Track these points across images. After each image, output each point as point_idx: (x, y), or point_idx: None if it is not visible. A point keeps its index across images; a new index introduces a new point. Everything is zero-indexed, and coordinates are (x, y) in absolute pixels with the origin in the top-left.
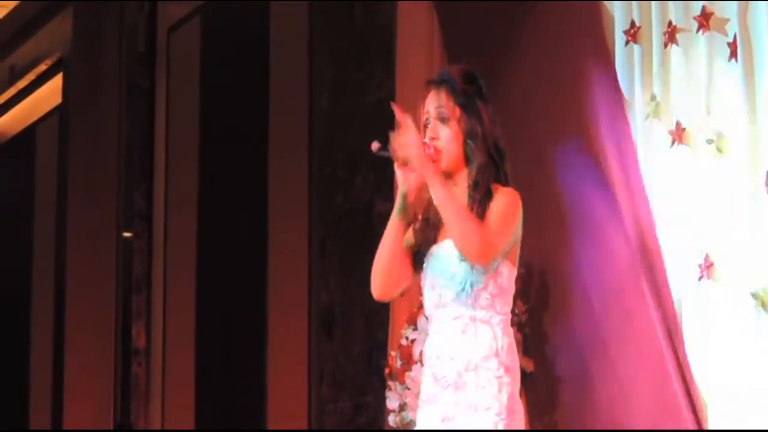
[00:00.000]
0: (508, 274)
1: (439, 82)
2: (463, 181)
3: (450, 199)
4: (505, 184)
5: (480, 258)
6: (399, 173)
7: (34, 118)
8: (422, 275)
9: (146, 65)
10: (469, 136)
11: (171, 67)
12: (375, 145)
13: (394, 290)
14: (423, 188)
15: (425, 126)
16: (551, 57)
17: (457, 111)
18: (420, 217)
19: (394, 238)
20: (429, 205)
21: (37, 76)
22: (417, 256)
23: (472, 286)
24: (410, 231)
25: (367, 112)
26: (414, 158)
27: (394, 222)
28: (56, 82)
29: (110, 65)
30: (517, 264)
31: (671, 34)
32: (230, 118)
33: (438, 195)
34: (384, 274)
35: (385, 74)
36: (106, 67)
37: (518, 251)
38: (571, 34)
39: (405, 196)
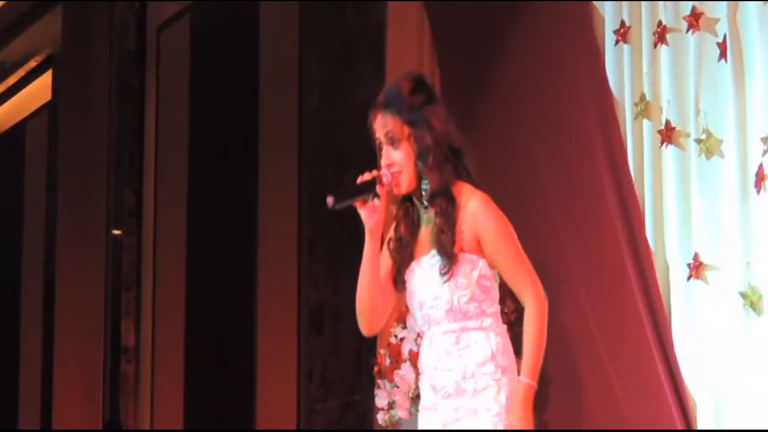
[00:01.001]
0: (488, 271)
1: (383, 105)
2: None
3: (537, 364)
4: (468, 179)
5: (546, 302)
6: (362, 212)
7: (24, 115)
8: (407, 294)
9: (136, 63)
10: (419, 155)
11: (161, 65)
12: (330, 200)
13: (380, 322)
14: (388, 212)
15: (379, 150)
16: (541, 56)
17: (406, 130)
18: (392, 237)
19: (371, 275)
20: (398, 224)
21: (27, 73)
22: (397, 276)
23: (459, 300)
24: (385, 254)
25: (357, 111)
26: None
27: (367, 260)
28: (46, 79)
29: (100, 63)
30: None
31: (661, 34)
32: (220, 116)
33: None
34: (369, 310)
35: (375, 74)
36: (96, 64)
37: None
38: (561, 34)
39: (372, 234)
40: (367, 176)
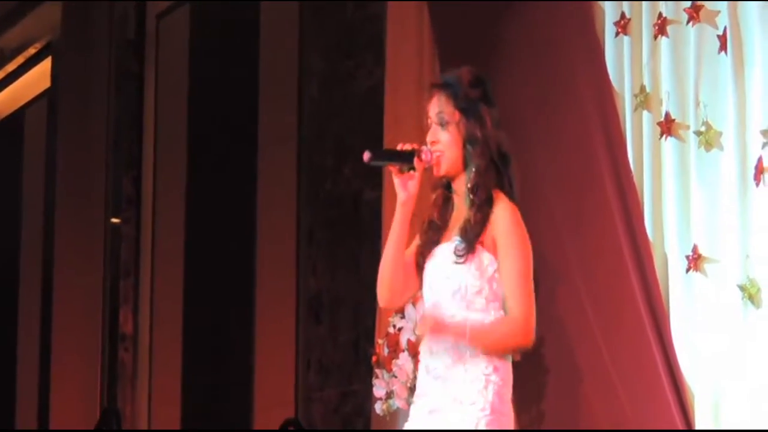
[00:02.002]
0: (489, 262)
1: (442, 86)
2: (462, 186)
3: (478, 337)
4: (509, 191)
5: (530, 338)
6: (397, 181)
7: (23, 102)
8: (423, 274)
9: (135, 51)
10: (468, 140)
11: (160, 53)
12: (367, 155)
13: (399, 298)
14: (425, 192)
15: (427, 130)
16: (541, 48)
17: (457, 115)
18: (426, 219)
19: (396, 247)
20: (434, 207)
21: (26, 60)
22: (419, 259)
23: (467, 289)
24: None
25: (357, 101)
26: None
27: (395, 230)
28: (45, 66)
29: (99, 50)
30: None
31: (661, 26)
32: (219, 105)
33: (469, 343)
34: (389, 282)
35: (375, 64)
36: (95, 52)
37: None
38: (561, 26)
39: (403, 205)
40: (407, 146)
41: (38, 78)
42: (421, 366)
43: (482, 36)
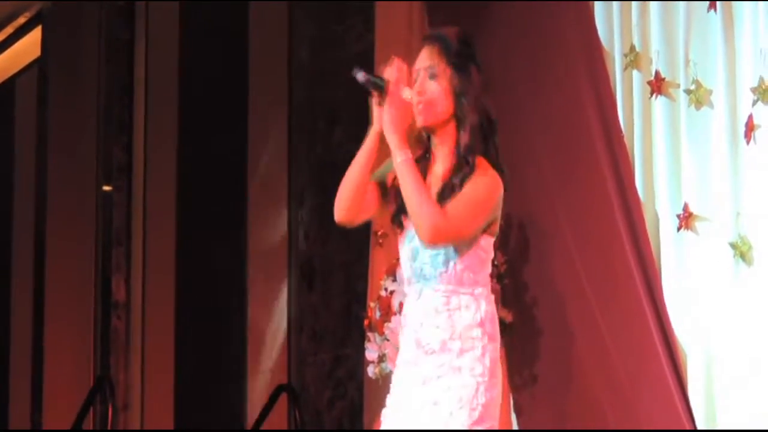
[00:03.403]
0: (486, 245)
1: (434, 39)
2: (448, 140)
3: (411, 174)
4: (494, 160)
5: (430, 242)
6: (375, 111)
7: (13, 71)
8: (401, 239)
9: (125, 18)
10: (460, 93)
11: (150, 20)
12: (361, 75)
13: (356, 217)
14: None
15: (415, 82)
16: (530, 10)
17: (449, 70)
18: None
19: (361, 170)
20: (417, 147)
21: (16, 29)
22: (395, 217)
23: (454, 264)
24: (384, 171)
25: (347, 65)
26: (388, 115)
27: (363, 153)
28: (35, 35)
29: (89, 18)
30: (495, 234)
31: None
32: (210, 70)
33: (400, 169)
34: (348, 198)
35: (365, 28)
36: (86, 19)
37: (498, 224)
38: None
39: (377, 134)
40: (386, 73)
41: (28, 47)
42: (408, 335)
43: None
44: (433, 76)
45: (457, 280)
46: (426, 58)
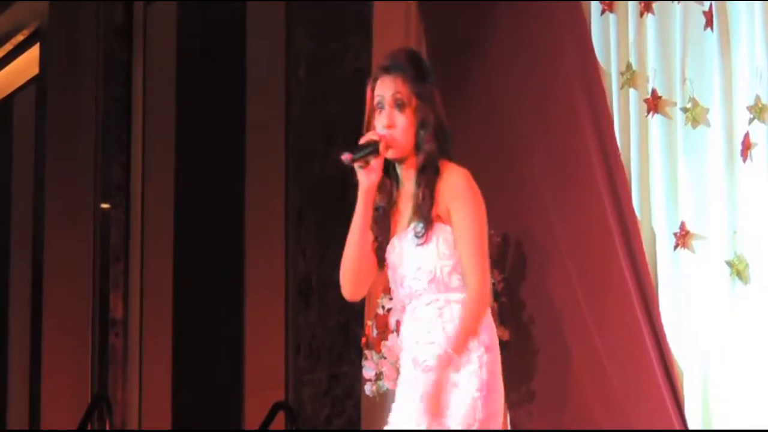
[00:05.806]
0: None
1: (394, 68)
2: (411, 168)
3: (459, 345)
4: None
5: (489, 301)
6: (360, 173)
7: (12, 88)
8: (389, 271)
9: (123, 37)
10: (421, 125)
11: (148, 39)
12: (346, 156)
13: (363, 289)
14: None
15: (371, 113)
16: (527, 28)
17: (414, 100)
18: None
19: (360, 236)
20: (380, 193)
21: (15, 47)
22: (378, 252)
23: (442, 271)
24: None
25: (344, 83)
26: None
27: (357, 220)
28: (33, 52)
29: (87, 37)
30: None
31: (647, 3)
32: (207, 89)
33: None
34: (353, 273)
35: (362, 46)
36: (84, 38)
37: None
38: (547, 4)
39: (366, 192)
40: (371, 135)
41: (27, 65)
42: (405, 356)
43: (469, 15)
44: (400, 107)
45: (446, 286)
46: (390, 87)
